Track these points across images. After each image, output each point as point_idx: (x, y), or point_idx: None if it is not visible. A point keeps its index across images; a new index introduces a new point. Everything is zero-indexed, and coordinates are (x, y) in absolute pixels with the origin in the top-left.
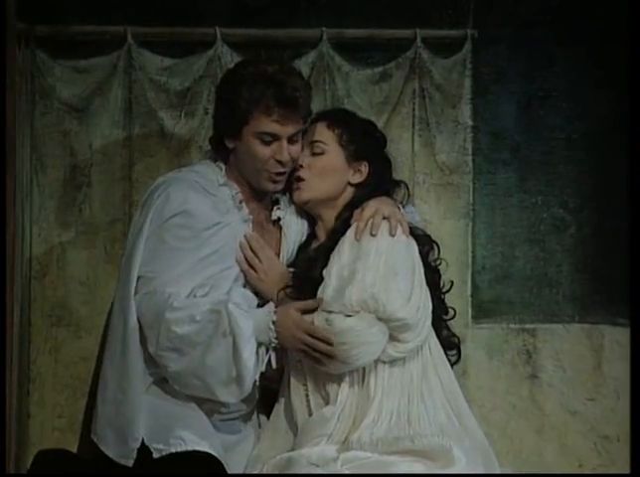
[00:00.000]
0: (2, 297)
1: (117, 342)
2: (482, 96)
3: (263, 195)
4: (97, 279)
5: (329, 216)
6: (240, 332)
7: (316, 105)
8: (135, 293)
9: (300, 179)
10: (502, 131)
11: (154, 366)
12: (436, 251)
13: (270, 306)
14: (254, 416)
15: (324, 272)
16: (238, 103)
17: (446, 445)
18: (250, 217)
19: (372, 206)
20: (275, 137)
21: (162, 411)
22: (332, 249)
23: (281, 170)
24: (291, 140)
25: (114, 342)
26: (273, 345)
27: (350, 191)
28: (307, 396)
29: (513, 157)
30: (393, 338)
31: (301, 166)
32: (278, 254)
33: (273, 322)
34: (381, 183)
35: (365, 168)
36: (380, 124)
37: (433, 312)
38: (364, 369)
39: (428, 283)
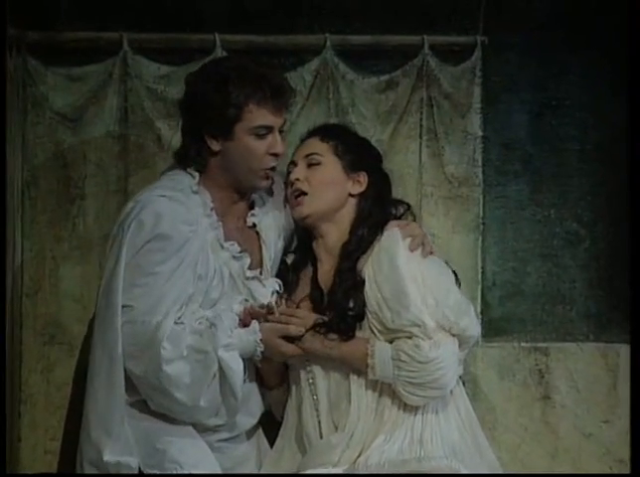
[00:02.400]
0: (1, 319)
1: (101, 377)
2: (492, 105)
3: (241, 200)
4: (92, 296)
5: (330, 231)
6: (232, 374)
7: (320, 115)
8: None
9: (301, 193)
10: (513, 142)
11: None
12: None
13: (256, 329)
14: (255, 438)
15: (376, 302)
16: (227, 101)
17: (455, 467)
18: (220, 223)
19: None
20: (269, 130)
21: (156, 436)
22: (354, 269)
23: (275, 164)
24: (280, 132)
25: (98, 377)
26: (258, 358)
27: (352, 203)
28: (320, 423)
29: (524, 169)
30: None
31: (297, 179)
32: (261, 261)
33: (261, 340)
34: (381, 195)
35: (364, 178)
36: (386, 135)
37: None
38: (380, 393)
39: None
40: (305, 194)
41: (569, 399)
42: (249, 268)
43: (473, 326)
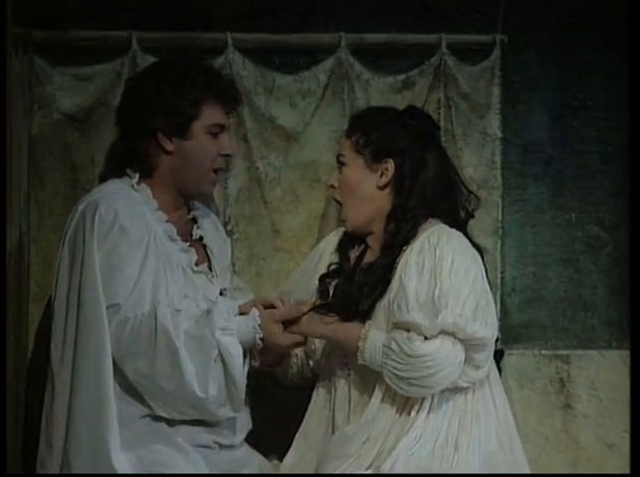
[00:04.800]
0: (1, 324)
1: (88, 382)
2: (512, 106)
3: (183, 208)
4: None
5: (376, 227)
6: (232, 360)
7: (334, 115)
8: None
9: (339, 204)
10: (533, 143)
11: (136, 401)
12: None
13: (255, 315)
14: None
15: (395, 295)
16: (185, 99)
17: None
18: (166, 217)
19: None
20: (222, 129)
21: (147, 453)
22: (389, 267)
23: (224, 166)
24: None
25: (85, 382)
26: (259, 347)
27: (384, 195)
28: (349, 416)
29: (545, 171)
30: (466, 360)
31: (332, 186)
32: (210, 268)
33: (259, 325)
34: (418, 179)
35: (390, 165)
36: None
37: None
38: None
39: None
40: (342, 206)
41: (591, 409)
42: (196, 264)
43: (484, 329)
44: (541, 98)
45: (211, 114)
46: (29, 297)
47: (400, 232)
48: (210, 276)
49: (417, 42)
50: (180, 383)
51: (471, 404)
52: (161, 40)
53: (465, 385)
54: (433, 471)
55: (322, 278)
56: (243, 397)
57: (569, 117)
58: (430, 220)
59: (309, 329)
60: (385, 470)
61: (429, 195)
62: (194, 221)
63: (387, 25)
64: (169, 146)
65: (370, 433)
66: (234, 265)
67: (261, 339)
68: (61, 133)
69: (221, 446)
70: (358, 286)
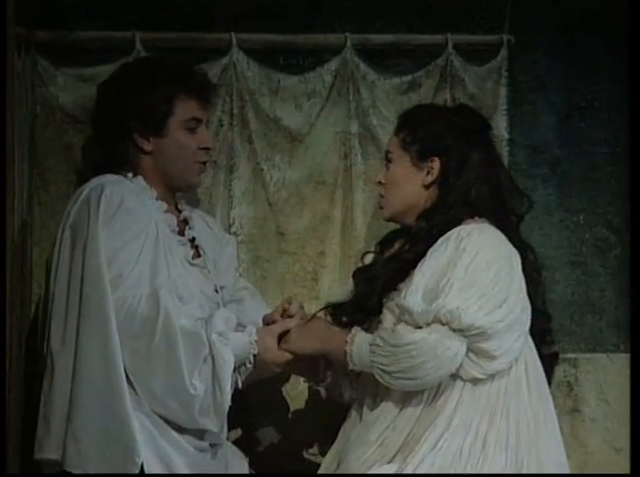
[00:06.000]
0: (1, 324)
1: (96, 362)
2: (519, 107)
3: (173, 204)
4: None
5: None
6: (223, 364)
7: (339, 117)
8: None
9: (382, 196)
10: (541, 145)
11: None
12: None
13: (252, 331)
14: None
15: (404, 285)
16: (158, 97)
17: None
18: (166, 206)
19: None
20: (199, 123)
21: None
22: (412, 262)
23: (207, 159)
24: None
25: (92, 362)
26: (247, 368)
27: (429, 193)
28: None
29: (552, 173)
30: (475, 352)
31: (380, 182)
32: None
33: (256, 341)
34: (460, 177)
35: (436, 164)
36: None
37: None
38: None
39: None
40: (384, 197)
41: (599, 413)
42: (192, 258)
43: (485, 317)
44: (548, 99)
45: (185, 109)
46: (31, 299)
47: (429, 224)
48: (205, 271)
49: (423, 42)
50: (172, 368)
51: (503, 400)
52: (165, 40)
53: (482, 377)
54: (459, 471)
55: (355, 274)
56: (227, 409)
57: (577, 118)
58: (476, 218)
59: (297, 346)
60: (409, 467)
61: (473, 194)
62: (185, 222)
63: (392, 25)
64: (146, 146)
65: (395, 421)
66: (239, 266)
67: (254, 355)
68: (64, 134)
69: (212, 446)
70: (371, 280)
